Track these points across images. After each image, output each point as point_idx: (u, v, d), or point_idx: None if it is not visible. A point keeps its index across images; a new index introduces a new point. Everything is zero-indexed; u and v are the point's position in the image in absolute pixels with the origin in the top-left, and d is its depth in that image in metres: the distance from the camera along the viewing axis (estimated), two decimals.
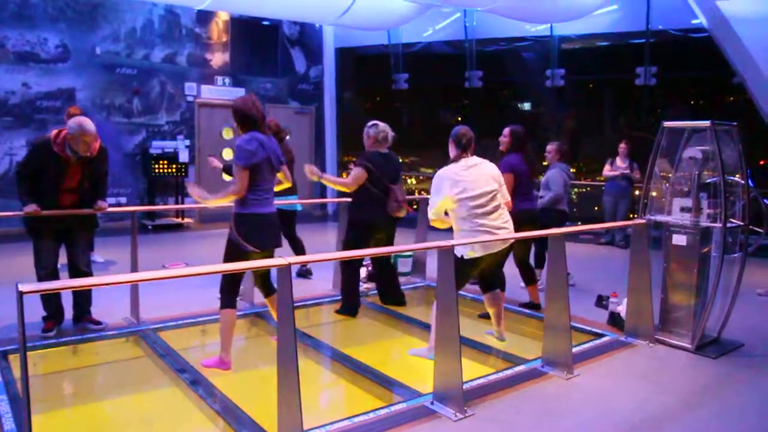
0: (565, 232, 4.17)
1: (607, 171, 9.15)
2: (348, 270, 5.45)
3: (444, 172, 4.26)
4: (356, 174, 5.29)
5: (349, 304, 5.48)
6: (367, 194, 5.28)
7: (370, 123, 5.51)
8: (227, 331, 4.15)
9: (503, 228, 4.26)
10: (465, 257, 4.21)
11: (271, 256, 4.09)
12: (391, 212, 5.33)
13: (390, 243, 5.50)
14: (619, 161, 9.02)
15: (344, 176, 5.43)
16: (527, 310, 5.55)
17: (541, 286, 6.20)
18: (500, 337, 4.77)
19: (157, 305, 5.25)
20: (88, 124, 4.37)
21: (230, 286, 4.16)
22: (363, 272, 6.30)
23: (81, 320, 4.81)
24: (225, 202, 4.04)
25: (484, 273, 4.55)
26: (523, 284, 5.70)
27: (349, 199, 5.61)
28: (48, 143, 4.42)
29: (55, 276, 4.61)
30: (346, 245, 5.41)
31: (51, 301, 4.63)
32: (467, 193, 4.16)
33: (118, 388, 4.06)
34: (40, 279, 4.53)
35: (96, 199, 4.68)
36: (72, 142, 4.38)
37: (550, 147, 6.42)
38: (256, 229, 4.03)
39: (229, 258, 4.07)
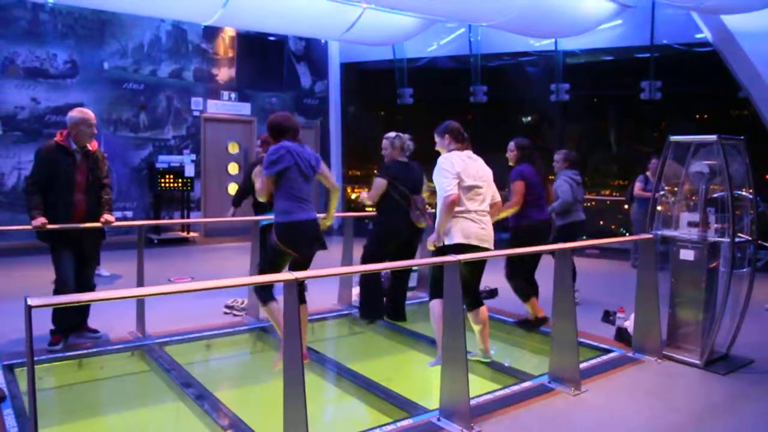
0: (572, 247, 4.15)
1: (639, 191, 8.54)
2: (368, 276, 5.60)
3: (450, 155, 4.34)
4: (376, 185, 5.37)
5: (369, 309, 5.60)
6: (390, 203, 5.35)
7: (392, 134, 5.56)
8: (280, 320, 4.36)
9: (486, 229, 4.31)
10: (448, 243, 4.26)
11: (308, 261, 4.34)
12: (415, 221, 5.40)
13: (413, 253, 5.53)
14: (651, 178, 8.71)
15: (366, 190, 5.61)
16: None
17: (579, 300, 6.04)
18: (485, 355, 4.62)
19: (163, 319, 5.24)
20: (88, 110, 4.72)
21: (263, 287, 4.35)
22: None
23: (78, 330, 4.82)
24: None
25: (464, 284, 4.27)
26: None
27: (354, 214, 5.62)
28: (54, 143, 4.61)
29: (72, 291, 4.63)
30: (366, 254, 5.53)
31: (64, 315, 4.64)
32: (468, 182, 4.26)
33: (123, 402, 4.05)
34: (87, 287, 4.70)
35: (102, 211, 4.71)
36: (75, 131, 4.58)
37: (558, 156, 6.44)
38: (292, 237, 4.22)
39: (265, 259, 4.48)
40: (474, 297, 4.50)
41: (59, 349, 4.57)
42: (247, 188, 5.99)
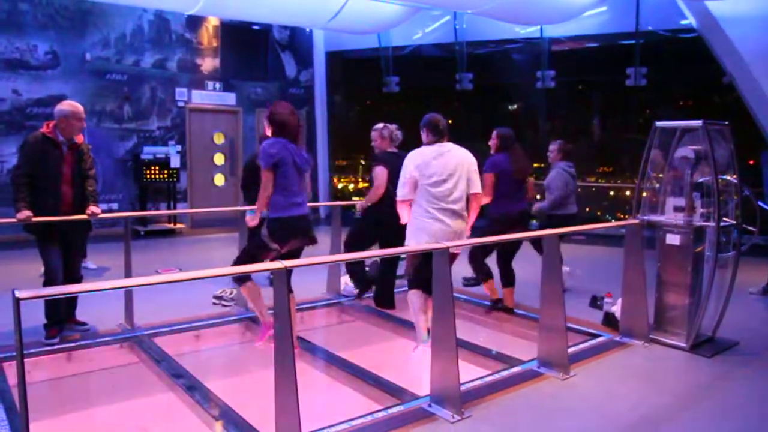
0: (558, 233, 4.17)
1: None
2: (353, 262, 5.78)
3: (415, 153, 4.39)
4: (379, 173, 5.36)
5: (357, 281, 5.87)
6: (384, 193, 5.36)
7: (380, 125, 5.59)
8: (257, 300, 4.46)
9: (454, 226, 4.32)
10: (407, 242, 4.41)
11: (297, 255, 4.36)
12: None
13: (401, 242, 5.54)
14: None
15: (360, 199, 5.73)
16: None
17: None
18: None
19: (151, 311, 5.22)
20: (76, 102, 4.67)
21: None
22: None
23: (66, 323, 4.79)
24: (263, 206, 4.19)
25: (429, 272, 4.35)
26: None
27: (341, 203, 5.62)
28: (41, 134, 4.55)
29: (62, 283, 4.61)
30: (350, 236, 5.63)
31: (57, 307, 4.62)
32: (430, 179, 4.27)
33: (113, 394, 4.04)
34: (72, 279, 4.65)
35: (87, 203, 4.67)
36: (65, 124, 4.54)
37: (552, 146, 6.41)
38: (288, 233, 4.23)
39: (250, 248, 4.42)
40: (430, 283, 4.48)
41: (56, 342, 4.55)
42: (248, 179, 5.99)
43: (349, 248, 5.63)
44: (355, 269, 5.92)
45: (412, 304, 4.53)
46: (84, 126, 4.67)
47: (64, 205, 4.58)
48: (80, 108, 4.63)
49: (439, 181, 4.27)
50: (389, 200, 5.36)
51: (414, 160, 4.34)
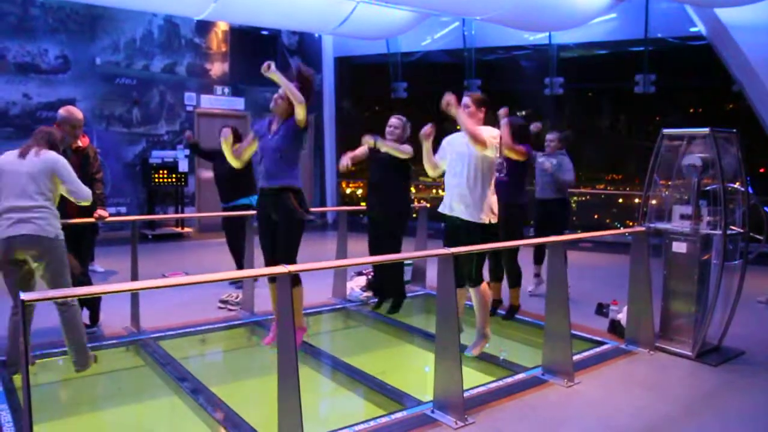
0: (567, 240, 4.17)
1: None
2: (397, 267, 5.70)
3: (489, 128, 4.33)
4: (409, 148, 5.33)
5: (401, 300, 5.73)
6: (408, 183, 5.42)
7: (404, 118, 5.54)
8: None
9: None
10: (489, 222, 4.28)
11: None
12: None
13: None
14: None
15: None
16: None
17: (541, 291, 6.24)
18: (479, 335, 4.53)
19: (158, 314, 5.25)
20: (74, 108, 4.76)
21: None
22: (363, 280, 6.29)
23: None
24: (300, 102, 4.28)
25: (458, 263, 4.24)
26: (530, 288, 6.01)
27: (346, 208, 5.60)
28: None
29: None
30: (395, 238, 5.52)
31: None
32: (497, 159, 4.35)
33: (118, 397, 4.06)
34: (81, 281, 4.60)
35: (95, 207, 4.70)
36: (62, 129, 4.56)
37: (551, 136, 6.18)
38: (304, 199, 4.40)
39: (299, 235, 4.38)
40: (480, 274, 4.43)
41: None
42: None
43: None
44: (399, 278, 5.79)
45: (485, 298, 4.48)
46: (77, 134, 4.70)
47: (70, 208, 4.60)
48: (75, 110, 4.70)
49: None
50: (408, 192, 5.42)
51: (493, 132, 4.29)
